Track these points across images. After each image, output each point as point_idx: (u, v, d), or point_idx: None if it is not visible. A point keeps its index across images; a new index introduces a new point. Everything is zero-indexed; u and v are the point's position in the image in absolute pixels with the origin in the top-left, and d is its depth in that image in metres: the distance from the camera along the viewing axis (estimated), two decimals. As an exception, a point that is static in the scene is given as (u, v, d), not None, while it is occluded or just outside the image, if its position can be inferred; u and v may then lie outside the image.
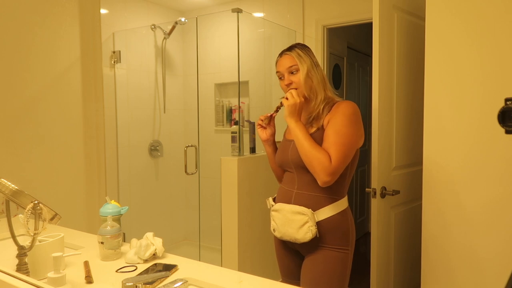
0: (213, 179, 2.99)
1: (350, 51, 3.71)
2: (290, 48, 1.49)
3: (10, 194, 1.08)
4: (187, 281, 1.05)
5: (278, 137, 1.64)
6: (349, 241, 1.42)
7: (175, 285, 1.01)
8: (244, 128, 2.57)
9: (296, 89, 1.43)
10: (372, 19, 1.93)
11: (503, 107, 1.07)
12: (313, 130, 1.44)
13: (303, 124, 1.42)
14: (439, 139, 1.71)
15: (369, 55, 3.00)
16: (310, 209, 1.37)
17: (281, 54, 1.51)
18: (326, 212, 1.39)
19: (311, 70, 1.44)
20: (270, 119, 1.59)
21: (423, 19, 1.75)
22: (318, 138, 1.39)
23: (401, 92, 2.11)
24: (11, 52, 2.00)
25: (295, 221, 1.38)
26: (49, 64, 2.17)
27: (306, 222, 1.36)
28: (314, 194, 1.40)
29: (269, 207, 1.54)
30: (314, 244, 1.41)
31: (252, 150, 2.56)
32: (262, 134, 1.60)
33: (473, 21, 1.61)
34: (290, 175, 1.49)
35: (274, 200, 1.54)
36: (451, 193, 1.69)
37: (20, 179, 1.15)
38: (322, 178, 1.32)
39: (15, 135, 2.02)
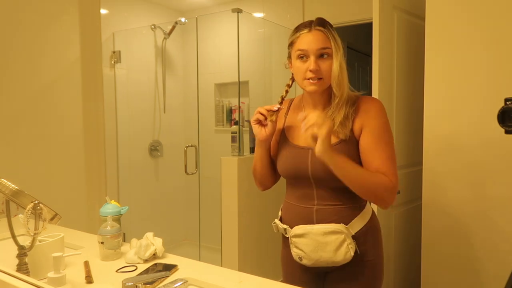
0: (213, 179, 2.98)
1: (350, 51, 3.70)
2: (320, 23, 1.14)
3: (10, 194, 1.08)
4: (187, 281, 1.05)
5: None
6: (382, 248, 1.27)
7: (175, 285, 1.01)
8: (244, 128, 2.57)
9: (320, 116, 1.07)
10: (372, 19, 1.93)
11: (503, 107, 1.07)
12: (335, 140, 1.15)
13: (336, 151, 1.09)
14: (439, 139, 1.71)
15: (369, 55, 2.99)
16: (342, 224, 1.16)
17: (307, 28, 1.14)
18: (359, 224, 1.19)
19: (343, 60, 1.14)
20: (276, 113, 1.24)
21: (423, 19, 1.75)
22: (345, 151, 1.14)
23: (401, 92, 2.11)
24: (10, 52, 2.00)
25: (329, 243, 1.15)
26: (49, 64, 2.17)
27: (344, 240, 1.14)
28: (340, 206, 1.18)
29: (281, 232, 1.28)
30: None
31: (252, 150, 2.56)
32: (260, 132, 1.24)
33: (473, 21, 1.61)
34: (302, 190, 1.22)
35: (280, 220, 1.29)
36: (451, 193, 1.69)
37: (20, 179, 1.15)
38: (389, 201, 1.15)
39: (15, 135, 2.02)
